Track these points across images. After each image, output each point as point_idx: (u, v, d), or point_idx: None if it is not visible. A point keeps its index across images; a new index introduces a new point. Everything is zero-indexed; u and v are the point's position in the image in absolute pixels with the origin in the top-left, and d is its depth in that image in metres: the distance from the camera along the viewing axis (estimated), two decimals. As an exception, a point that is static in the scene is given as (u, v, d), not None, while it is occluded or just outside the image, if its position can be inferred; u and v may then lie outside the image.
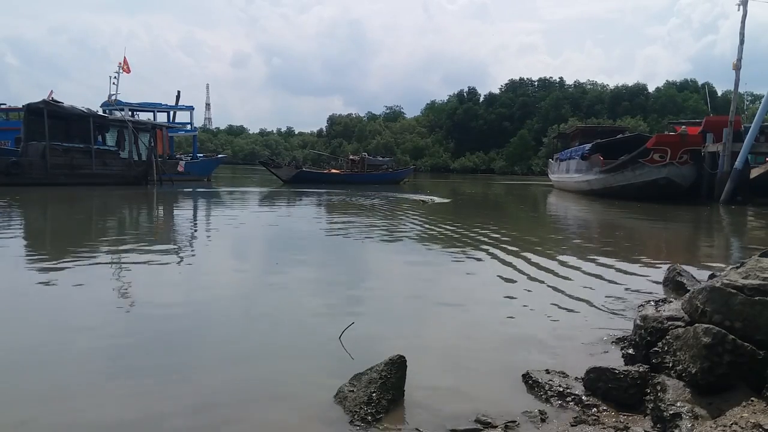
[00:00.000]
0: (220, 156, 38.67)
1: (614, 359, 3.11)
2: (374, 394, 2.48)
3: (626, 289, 5.18)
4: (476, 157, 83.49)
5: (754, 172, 18.97)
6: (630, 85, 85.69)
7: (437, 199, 18.53)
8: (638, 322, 2.90)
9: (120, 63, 29.71)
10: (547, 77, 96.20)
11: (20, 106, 25.90)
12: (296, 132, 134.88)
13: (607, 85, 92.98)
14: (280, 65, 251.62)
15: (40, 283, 5.05)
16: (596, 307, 4.48)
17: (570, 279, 5.55)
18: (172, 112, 33.27)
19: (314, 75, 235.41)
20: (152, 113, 32.05)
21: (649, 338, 2.77)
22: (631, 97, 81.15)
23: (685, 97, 78.11)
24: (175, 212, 13.81)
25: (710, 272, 4.89)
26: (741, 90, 23.44)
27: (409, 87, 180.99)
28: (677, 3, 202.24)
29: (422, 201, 16.83)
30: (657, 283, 5.29)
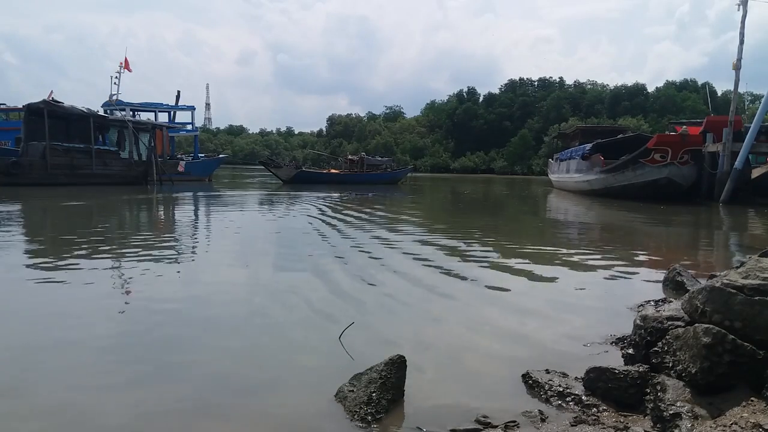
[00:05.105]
0: (221, 156, 38.67)
1: (614, 359, 3.11)
2: (374, 394, 2.48)
3: (626, 289, 5.18)
4: (476, 157, 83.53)
5: (756, 172, 18.96)
6: (629, 85, 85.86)
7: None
8: (638, 322, 2.90)
9: (121, 63, 29.74)
10: (547, 77, 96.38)
11: (20, 106, 25.93)
12: (296, 132, 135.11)
13: (607, 85, 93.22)
14: (285, 64, 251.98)
15: (39, 282, 5.05)
16: (596, 306, 4.48)
17: (569, 278, 5.55)
18: (172, 112, 33.29)
19: (320, 73, 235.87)
20: (153, 113, 32.08)
21: (649, 338, 2.77)
22: (631, 97, 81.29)
23: (684, 97, 78.25)
24: (175, 213, 13.82)
25: (710, 272, 4.89)
26: (741, 90, 23.44)
27: (417, 86, 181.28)
28: (683, 2, 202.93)
29: None
30: (657, 283, 5.29)
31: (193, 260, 6.59)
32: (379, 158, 39.97)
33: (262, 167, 33.60)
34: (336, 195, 19.96)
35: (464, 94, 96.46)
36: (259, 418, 2.49)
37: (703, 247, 9.20)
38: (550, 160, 35.00)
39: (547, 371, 2.87)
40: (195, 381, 2.85)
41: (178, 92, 32.93)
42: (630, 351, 3.01)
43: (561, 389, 2.66)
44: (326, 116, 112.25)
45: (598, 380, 2.62)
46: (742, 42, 19.26)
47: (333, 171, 34.87)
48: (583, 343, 3.47)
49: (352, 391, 2.56)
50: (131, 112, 29.68)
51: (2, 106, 31.82)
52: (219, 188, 24.71)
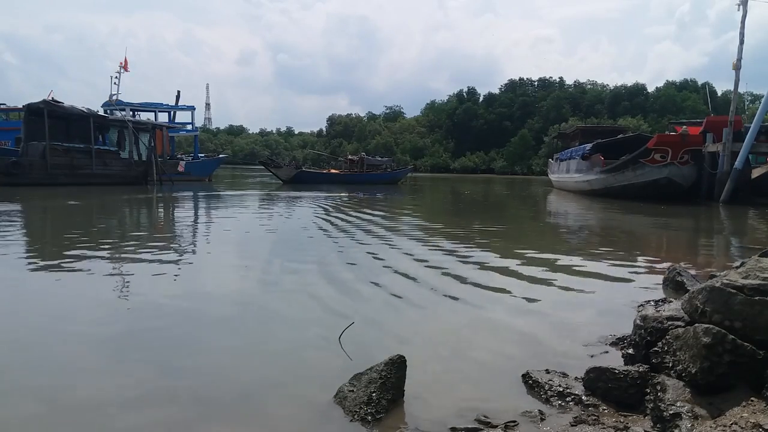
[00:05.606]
0: (221, 156, 38.67)
1: (614, 359, 3.11)
2: (374, 394, 2.48)
3: (626, 289, 5.18)
4: (476, 157, 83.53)
5: (756, 172, 18.96)
6: (629, 85, 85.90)
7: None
8: (638, 322, 2.89)
9: (121, 63, 29.75)
10: (547, 77, 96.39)
11: (20, 106, 25.94)
12: (296, 132, 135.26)
13: (607, 85, 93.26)
14: (285, 64, 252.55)
15: (39, 281, 5.06)
16: (596, 306, 4.48)
17: (570, 279, 5.54)
18: (172, 112, 33.30)
19: (320, 73, 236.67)
20: (153, 113, 32.09)
21: (649, 338, 2.77)
22: (631, 97, 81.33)
23: (684, 97, 78.26)
24: (175, 213, 13.82)
25: (710, 272, 4.89)
26: (741, 90, 23.45)
27: (417, 86, 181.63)
28: (683, 1, 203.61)
29: None
30: (657, 283, 5.29)
31: (192, 260, 6.59)
32: (379, 158, 39.99)
33: (262, 167, 33.62)
34: (336, 195, 19.95)
35: (464, 94, 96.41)
36: (259, 418, 2.49)
37: (703, 247, 9.20)
38: (550, 160, 35.00)
39: (547, 371, 2.87)
40: (194, 381, 2.85)
41: (178, 92, 32.99)
42: (630, 351, 3.01)
43: (561, 389, 2.66)
44: (326, 116, 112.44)
45: (598, 380, 2.62)
46: (742, 42, 19.25)
47: (333, 171, 34.91)
48: (583, 343, 3.47)
49: (352, 391, 2.56)
50: (131, 112, 29.70)
51: (2, 106, 31.83)
52: (219, 188, 24.71)
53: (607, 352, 3.32)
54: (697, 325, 2.50)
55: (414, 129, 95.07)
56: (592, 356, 3.23)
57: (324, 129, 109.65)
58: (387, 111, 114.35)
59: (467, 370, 3.06)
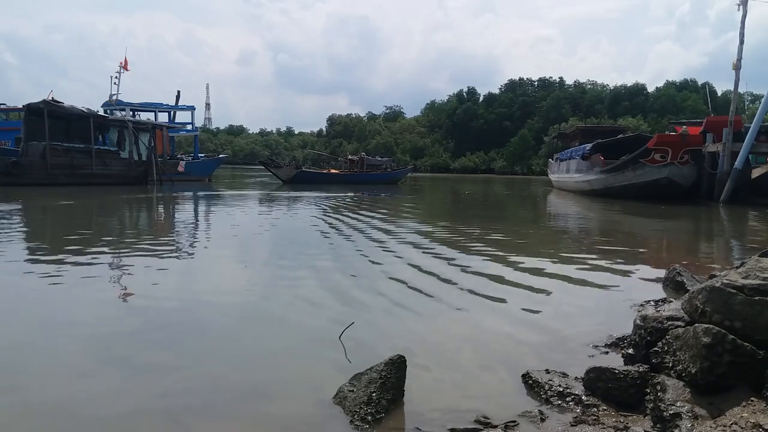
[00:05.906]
0: (221, 156, 38.69)
1: (614, 359, 3.11)
2: (374, 394, 2.48)
3: (626, 289, 5.17)
4: (476, 157, 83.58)
5: (756, 172, 18.94)
6: (629, 85, 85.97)
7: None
8: (638, 322, 2.89)
9: (121, 63, 29.76)
10: (547, 77, 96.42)
11: (20, 106, 25.96)
12: (296, 132, 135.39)
13: (607, 85, 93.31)
14: (285, 64, 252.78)
15: (40, 280, 5.05)
16: (596, 306, 4.48)
17: (570, 278, 5.54)
18: (172, 112, 33.31)
19: (320, 73, 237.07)
20: (153, 113, 32.11)
21: (649, 338, 2.77)
22: (631, 97, 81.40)
23: (684, 97, 78.31)
24: (175, 213, 13.82)
25: (710, 272, 4.88)
26: (741, 90, 23.44)
27: (417, 86, 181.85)
28: (683, 1, 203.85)
29: None
30: (657, 283, 5.29)
31: (192, 260, 6.59)
32: (379, 158, 40.03)
33: (262, 167, 33.64)
34: (337, 195, 19.95)
35: (464, 94, 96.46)
36: (259, 418, 2.49)
37: (703, 247, 9.20)
38: (550, 160, 35.00)
39: (547, 371, 2.87)
40: (194, 382, 2.85)
41: (178, 92, 33.01)
42: (630, 351, 3.01)
43: (561, 389, 2.66)
44: (326, 116, 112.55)
45: (598, 380, 2.62)
46: (742, 42, 19.23)
47: (333, 171, 34.93)
48: (583, 343, 3.47)
49: (352, 391, 2.56)
50: (131, 112, 29.71)
51: (2, 106, 31.84)
52: (219, 188, 24.71)
53: (607, 352, 3.32)
54: (697, 325, 2.50)
55: (414, 129, 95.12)
56: (592, 356, 3.24)
57: (324, 129, 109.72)
58: (387, 111, 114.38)
59: (467, 370, 3.06)
